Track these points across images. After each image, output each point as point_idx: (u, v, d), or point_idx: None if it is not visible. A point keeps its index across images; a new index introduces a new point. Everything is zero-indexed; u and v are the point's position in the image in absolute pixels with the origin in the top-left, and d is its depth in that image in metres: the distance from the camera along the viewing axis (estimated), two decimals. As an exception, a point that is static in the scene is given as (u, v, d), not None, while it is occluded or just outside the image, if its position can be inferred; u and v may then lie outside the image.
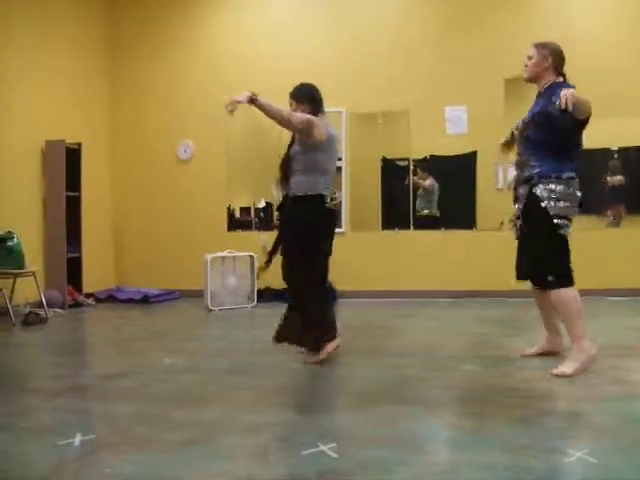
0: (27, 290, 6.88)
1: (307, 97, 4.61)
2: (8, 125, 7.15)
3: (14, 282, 6.77)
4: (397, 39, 8.24)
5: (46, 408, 3.58)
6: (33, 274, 6.78)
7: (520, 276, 4.37)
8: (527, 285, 4.39)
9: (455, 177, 8.36)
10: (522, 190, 4.21)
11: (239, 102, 4.19)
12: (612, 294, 7.37)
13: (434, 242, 8.15)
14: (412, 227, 8.30)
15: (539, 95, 4.24)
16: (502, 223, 7.77)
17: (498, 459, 2.61)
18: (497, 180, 8.03)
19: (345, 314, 7.23)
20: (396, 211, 8.53)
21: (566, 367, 3.99)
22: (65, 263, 7.59)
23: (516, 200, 4.31)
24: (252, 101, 4.21)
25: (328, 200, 4.53)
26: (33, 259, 7.07)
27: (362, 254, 8.23)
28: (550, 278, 4.07)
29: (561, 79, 4.19)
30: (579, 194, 4.12)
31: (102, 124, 8.83)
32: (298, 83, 4.71)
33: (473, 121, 8.00)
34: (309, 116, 4.46)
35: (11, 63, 7.20)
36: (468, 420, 3.19)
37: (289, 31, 8.49)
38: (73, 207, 7.75)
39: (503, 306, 7.09)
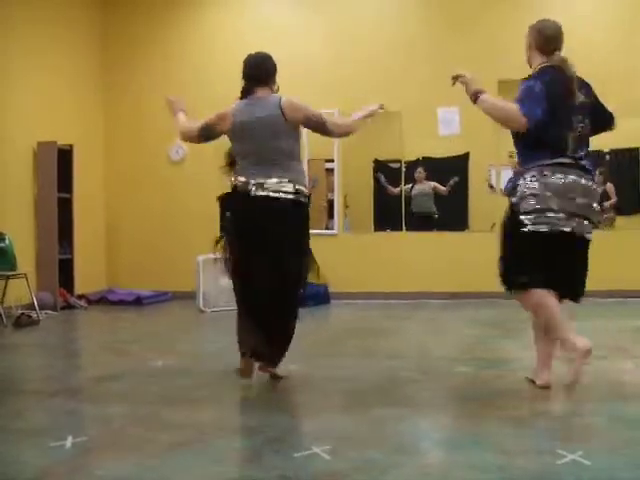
0: (19, 292, 6.85)
1: (243, 73, 4.16)
2: (0, 126, 7.12)
3: (6, 284, 6.74)
4: (390, 40, 8.25)
5: (38, 410, 3.56)
6: (25, 276, 6.75)
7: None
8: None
9: (447, 178, 8.37)
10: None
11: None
12: (606, 296, 7.37)
13: (427, 244, 8.15)
14: (404, 228, 8.31)
15: None
16: (494, 224, 7.79)
17: (491, 460, 2.61)
18: (490, 182, 8.05)
19: (337, 316, 7.25)
20: (388, 213, 8.54)
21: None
22: (57, 265, 7.56)
23: None
24: None
25: (250, 187, 3.77)
26: (25, 261, 7.04)
27: (354, 256, 8.23)
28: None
29: (545, 61, 3.70)
30: None
31: (95, 125, 8.79)
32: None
33: (466, 122, 7.99)
34: (202, 122, 4.03)
35: (6, 65, 7.17)
36: (461, 422, 3.19)
37: (284, 32, 8.46)
38: (65, 209, 7.72)
39: (495, 307, 7.07)
